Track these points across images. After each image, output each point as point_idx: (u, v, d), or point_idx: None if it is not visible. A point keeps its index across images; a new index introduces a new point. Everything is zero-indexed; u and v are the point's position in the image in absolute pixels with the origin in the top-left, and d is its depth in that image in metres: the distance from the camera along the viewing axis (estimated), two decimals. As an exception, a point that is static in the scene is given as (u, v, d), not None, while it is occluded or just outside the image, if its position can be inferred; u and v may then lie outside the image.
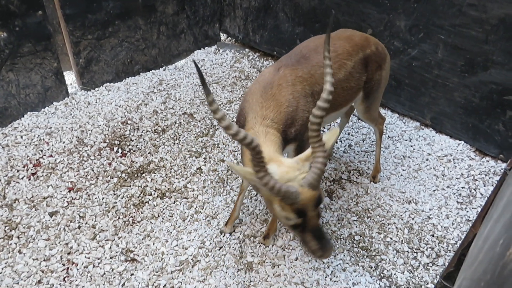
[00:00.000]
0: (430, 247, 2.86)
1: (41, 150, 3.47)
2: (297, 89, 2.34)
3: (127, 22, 4.15)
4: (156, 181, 3.27)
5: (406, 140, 3.82)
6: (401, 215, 3.08)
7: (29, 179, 3.22)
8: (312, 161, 1.81)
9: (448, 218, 3.08)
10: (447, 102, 3.68)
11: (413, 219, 3.06)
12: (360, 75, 2.63)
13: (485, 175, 3.45)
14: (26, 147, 3.49)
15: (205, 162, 3.49)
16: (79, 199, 3.10)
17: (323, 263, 2.70)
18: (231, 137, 1.70)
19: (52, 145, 3.54)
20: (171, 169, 3.40)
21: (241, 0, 4.81)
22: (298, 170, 1.85)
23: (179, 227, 2.92)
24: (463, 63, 3.43)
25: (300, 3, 4.29)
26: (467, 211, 3.14)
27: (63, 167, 3.34)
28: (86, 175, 3.29)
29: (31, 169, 3.30)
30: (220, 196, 3.18)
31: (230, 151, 3.63)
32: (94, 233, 2.83)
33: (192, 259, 2.69)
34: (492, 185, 3.36)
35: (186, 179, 3.32)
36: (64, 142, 3.57)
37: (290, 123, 2.30)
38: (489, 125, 3.51)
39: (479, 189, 3.33)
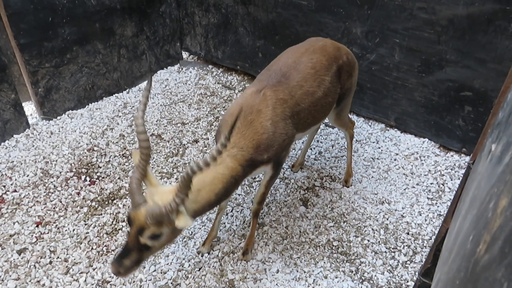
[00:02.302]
0: (406, 245, 2.92)
1: (4, 186, 3.32)
2: (277, 113, 2.34)
3: (86, 47, 4.07)
4: (129, 207, 3.20)
5: (373, 143, 3.91)
6: (376, 217, 3.14)
7: (-7, 218, 3.07)
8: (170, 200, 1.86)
9: (420, 215, 3.15)
10: (408, 102, 3.81)
11: (387, 219, 3.12)
12: (335, 88, 2.67)
13: (451, 169, 3.57)
14: (-13, 184, 3.34)
15: (177, 182, 3.44)
16: (48, 233, 2.98)
17: (304, 272, 2.70)
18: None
19: (16, 179, 3.40)
20: (143, 193, 3.32)
21: (200, 17, 4.83)
22: (157, 196, 1.93)
23: (156, 251, 2.85)
24: (419, 64, 3.57)
25: (258, 17, 4.35)
26: (438, 206, 3.23)
27: (28, 201, 3.21)
28: (54, 208, 3.17)
29: (-5, 207, 3.15)
30: (195, 215, 3.14)
31: (202, 168, 3.59)
32: (67, 267, 2.72)
33: (172, 283, 2.63)
34: (459, 179, 3.48)
35: (159, 201, 3.25)
36: (28, 175, 3.44)
37: (264, 149, 2.30)
38: (450, 121, 3.65)
39: (446, 183, 3.44)
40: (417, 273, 2.70)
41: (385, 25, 3.57)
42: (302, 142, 3.91)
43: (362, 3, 3.60)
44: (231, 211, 3.18)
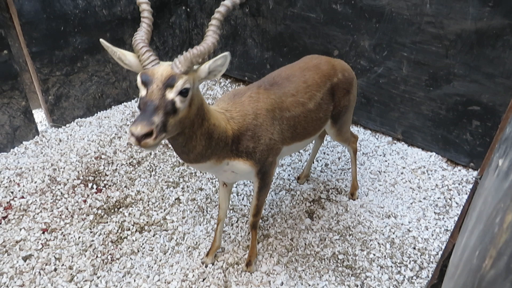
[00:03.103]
0: (412, 260, 2.88)
1: (12, 192, 3.35)
2: (267, 108, 2.31)
3: (96, 57, 4.13)
4: (134, 215, 3.20)
5: (380, 156, 3.89)
6: (382, 230, 3.11)
7: (0, 223, 3.09)
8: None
9: (427, 230, 3.12)
10: (415, 115, 3.80)
11: (393, 233, 3.09)
12: (328, 105, 2.67)
13: (459, 184, 3.54)
14: (-5, 190, 3.37)
15: (183, 192, 3.45)
16: (54, 240, 2.99)
17: (309, 285, 2.68)
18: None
19: (23, 185, 3.43)
20: (148, 202, 3.34)
21: (209, 28, 4.88)
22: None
23: (160, 261, 2.85)
24: (427, 77, 3.57)
25: (267, 29, 4.39)
26: (445, 221, 3.20)
27: (35, 208, 3.23)
28: (60, 215, 3.19)
29: (2, 213, 3.18)
30: (200, 225, 3.14)
31: (208, 179, 3.60)
32: (71, 274, 2.72)
33: (175, 293, 2.62)
34: (466, 194, 3.45)
35: (164, 210, 3.26)
36: (35, 182, 3.47)
37: (251, 136, 2.24)
38: (457, 135, 3.63)
39: (454, 198, 3.41)
40: (423, 289, 2.66)
41: (393, 39, 3.59)
42: (308, 154, 3.91)
43: (370, 16, 3.62)
44: (236, 222, 3.18)
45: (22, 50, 3.69)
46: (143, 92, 1.73)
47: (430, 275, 2.73)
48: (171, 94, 1.71)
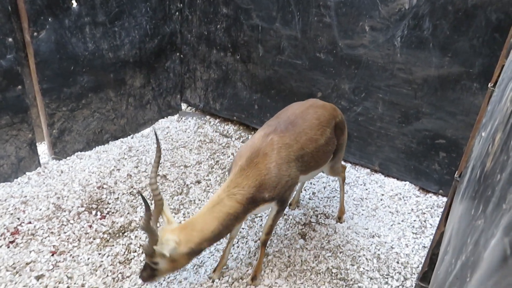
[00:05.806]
0: (397, 272, 3.23)
1: (18, 218, 3.48)
2: (281, 156, 2.68)
3: (99, 95, 4.44)
4: (140, 238, 3.40)
5: (361, 185, 4.32)
6: (369, 248, 3.46)
7: (8, 247, 3.21)
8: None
9: (407, 247, 3.51)
10: (390, 149, 4.30)
11: (379, 250, 3.45)
12: (334, 139, 3.12)
13: (431, 208, 4.00)
14: (1, 216, 3.49)
15: (184, 217, 3.70)
16: (63, 261, 3.13)
17: (309, 295, 2.95)
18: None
19: (29, 212, 3.56)
20: (153, 226, 3.55)
21: (201, 73, 5.33)
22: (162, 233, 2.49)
23: (168, 277, 3.05)
24: (399, 115, 4.12)
25: (256, 73, 4.88)
26: (422, 239, 3.60)
27: (43, 233, 3.37)
28: (67, 239, 3.35)
29: (9, 237, 3.30)
30: (203, 246, 3.37)
31: (206, 206, 3.87)
32: (85, 291, 2.87)
33: (187, 305, 2.81)
34: (438, 216, 3.89)
35: (168, 234, 3.48)
36: (41, 209, 3.62)
37: (266, 188, 2.63)
38: (427, 166, 4.14)
39: (428, 220, 3.84)
40: (409, 295, 2.99)
41: (370, 82, 4.15)
42: (297, 184, 4.28)
43: (349, 63, 4.19)
44: (237, 243, 3.44)
45: (34, 87, 3.96)
46: None
47: (414, 285, 3.09)
48: (148, 261, 2.62)
